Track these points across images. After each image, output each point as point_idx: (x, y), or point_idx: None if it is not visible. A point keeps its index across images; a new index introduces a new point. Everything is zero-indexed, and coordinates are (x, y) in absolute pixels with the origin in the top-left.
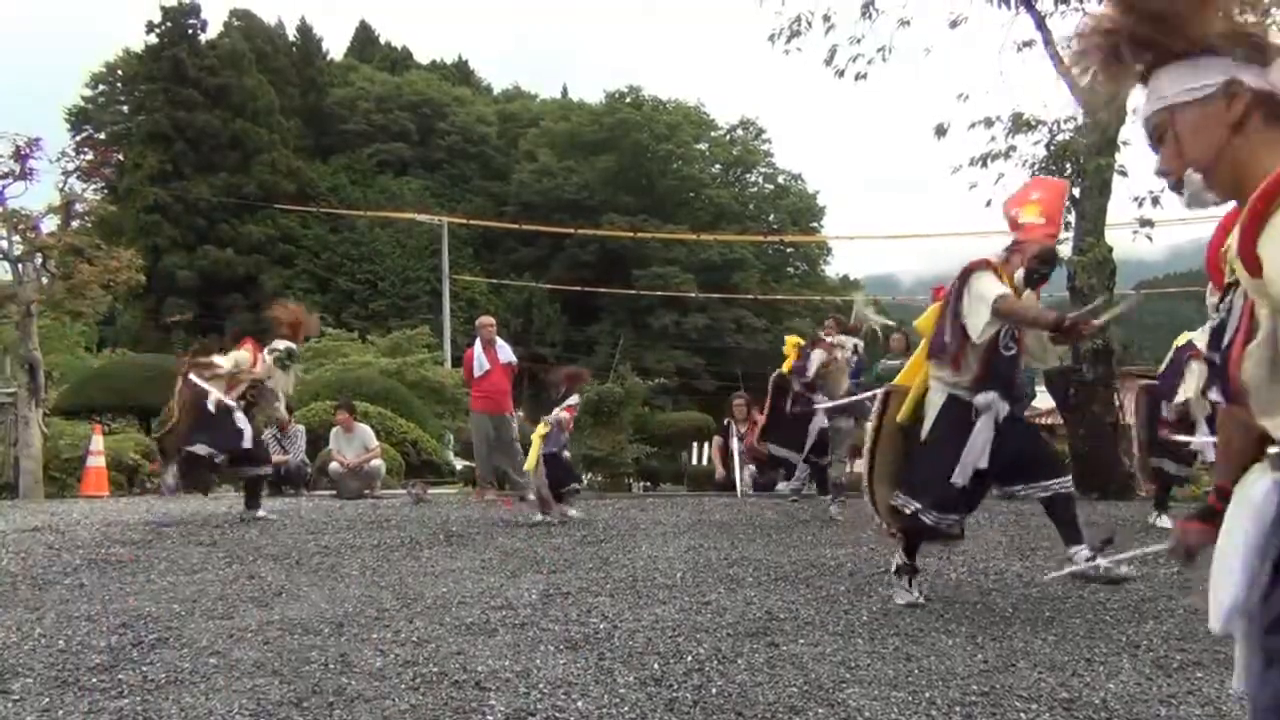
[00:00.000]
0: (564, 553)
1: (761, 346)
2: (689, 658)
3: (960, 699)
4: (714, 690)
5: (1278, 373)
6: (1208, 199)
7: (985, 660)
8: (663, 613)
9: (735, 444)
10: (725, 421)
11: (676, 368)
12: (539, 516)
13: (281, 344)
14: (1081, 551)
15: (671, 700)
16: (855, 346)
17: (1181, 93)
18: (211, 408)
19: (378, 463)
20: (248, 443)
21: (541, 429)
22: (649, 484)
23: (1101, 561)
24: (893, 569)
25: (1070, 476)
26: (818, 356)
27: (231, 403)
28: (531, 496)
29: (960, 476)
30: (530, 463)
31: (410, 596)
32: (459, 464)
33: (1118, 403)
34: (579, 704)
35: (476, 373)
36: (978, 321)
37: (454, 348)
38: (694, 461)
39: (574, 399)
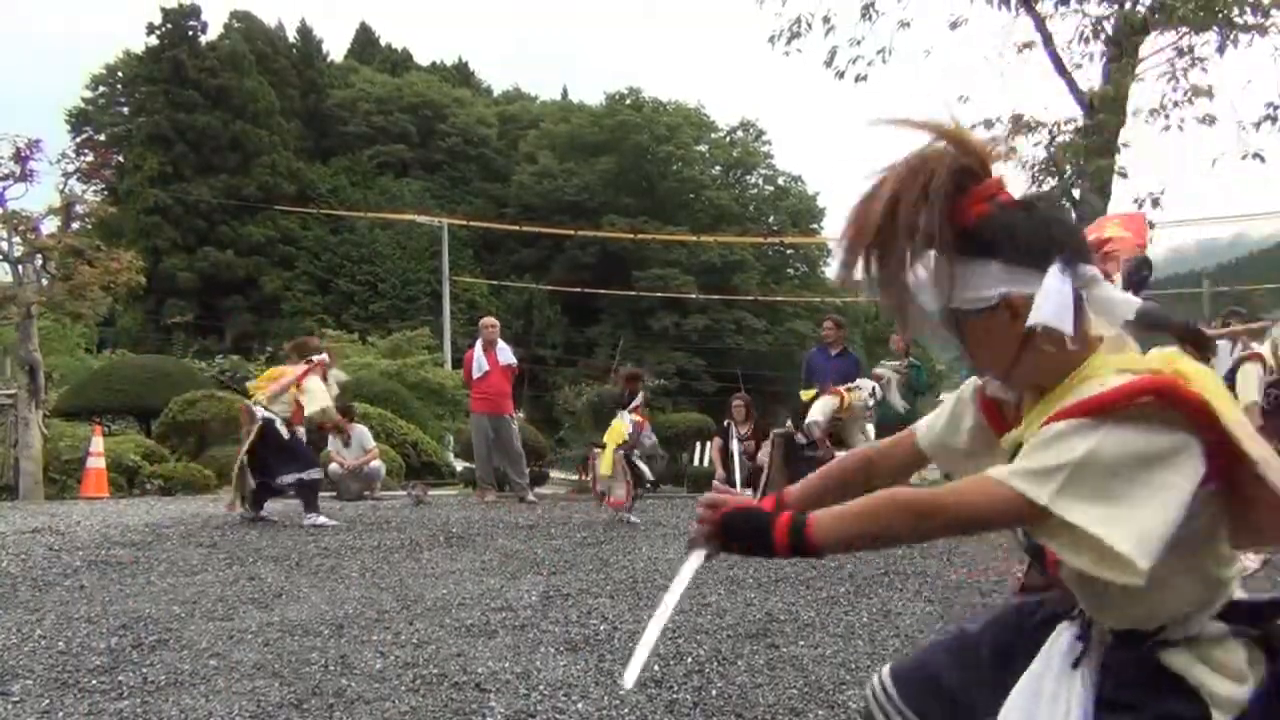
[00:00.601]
0: (564, 554)
1: (761, 348)
2: (689, 659)
3: None
4: (714, 692)
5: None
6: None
7: None
8: None
9: (735, 445)
10: (725, 423)
11: (676, 369)
12: (623, 515)
13: (343, 375)
14: None
15: (672, 702)
16: (873, 390)
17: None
18: (285, 434)
19: (377, 464)
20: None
21: (617, 436)
22: (649, 485)
23: None
24: None
25: None
26: (827, 404)
27: (298, 429)
28: (531, 498)
29: None
30: (605, 467)
31: (410, 598)
32: (459, 465)
33: None
34: (579, 706)
35: (476, 374)
36: None
37: (454, 349)
38: (694, 463)
39: (638, 400)
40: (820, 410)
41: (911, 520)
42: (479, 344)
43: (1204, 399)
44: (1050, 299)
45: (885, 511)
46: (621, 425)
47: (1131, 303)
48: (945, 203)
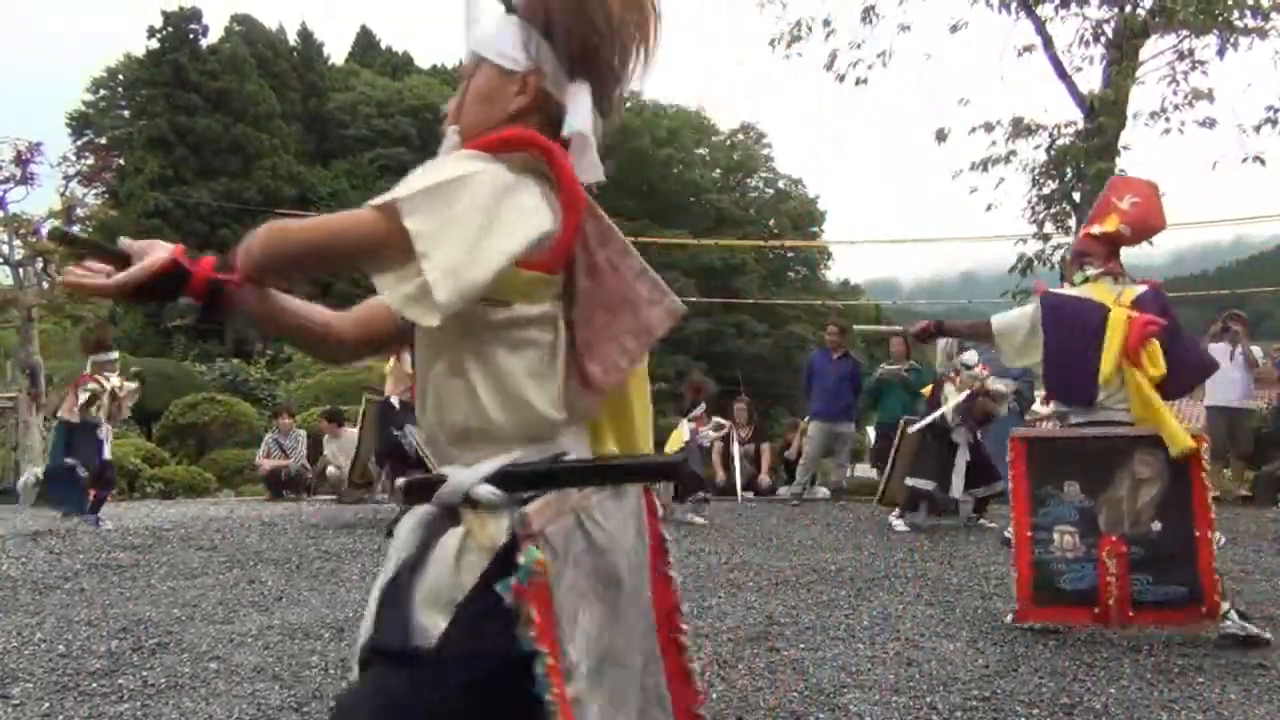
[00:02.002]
0: None
1: (762, 351)
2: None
3: (961, 704)
4: (715, 695)
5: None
6: None
7: (986, 665)
8: None
9: (735, 448)
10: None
11: (676, 372)
12: (698, 519)
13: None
14: None
15: None
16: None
17: (503, 53)
18: (396, 403)
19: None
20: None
21: (677, 442)
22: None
23: None
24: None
25: None
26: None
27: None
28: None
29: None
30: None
31: None
32: None
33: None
34: None
35: None
36: None
37: None
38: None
39: (699, 409)
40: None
41: (280, 238)
42: None
43: (579, 184)
44: (580, 114)
45: (271, 239)
46: (681, 432)
47: (598, 170)
48: None
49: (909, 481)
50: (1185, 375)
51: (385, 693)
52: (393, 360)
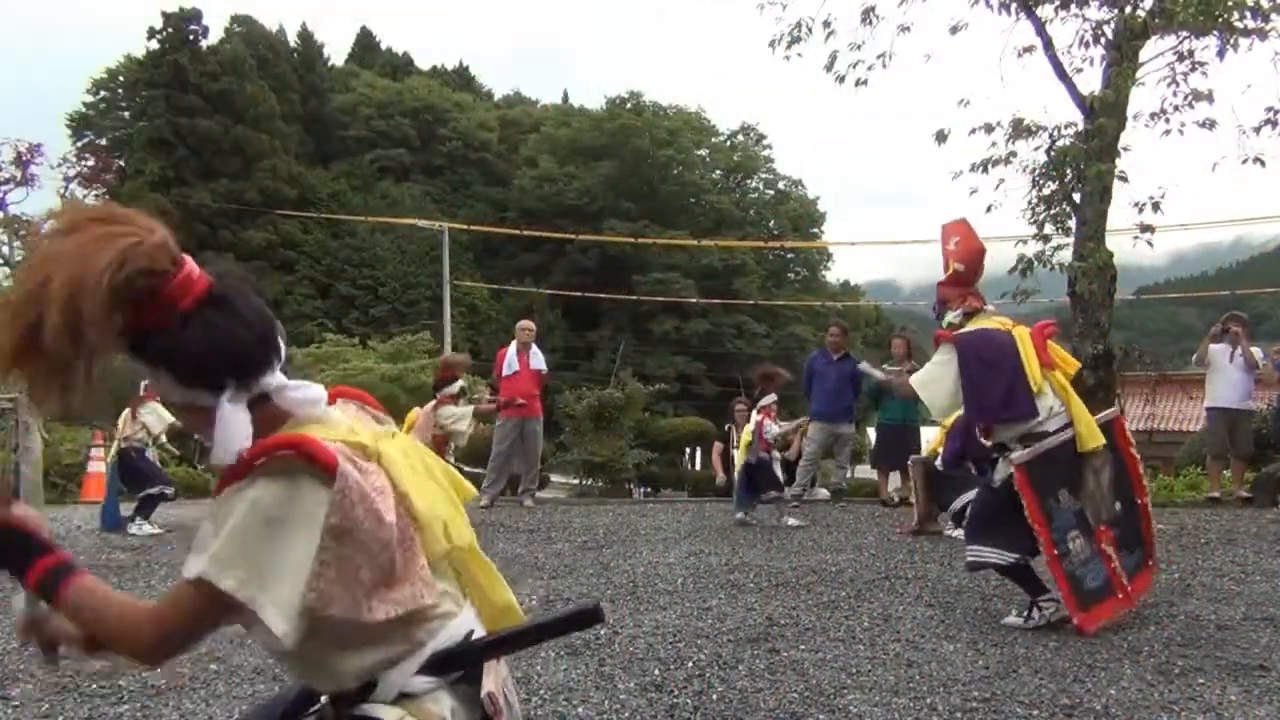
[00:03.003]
0: (564, 559)
1: (762, 352)
2: (689, 664)
3: (961, 705)
4: (714, 696)
5: None
6: None
7: (986, 666)
8: (663, 619)
9: (735, 449)
10: (726, 427)
11: (677, 373)
12: (792, 521)
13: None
14: None
15: (672, 706)
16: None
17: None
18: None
19: None
20: None
21: (746, 437)
22: (650, 489)
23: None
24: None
25: None
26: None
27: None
28: (529, 504)
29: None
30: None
31: None
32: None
33: (1118, 407)
34: (579, 710)
35: (505, 372)
36: None
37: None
38: (694, 467)
39: (768, 399)
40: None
41: (120, 632)
42: (513, 345)
43: (337, 458)
44: (224, 432)
45: (106, 618)
46: (746, 433)
47: (317, 398)
48: (123, 309)
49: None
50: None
51: None
52: (413, 416)
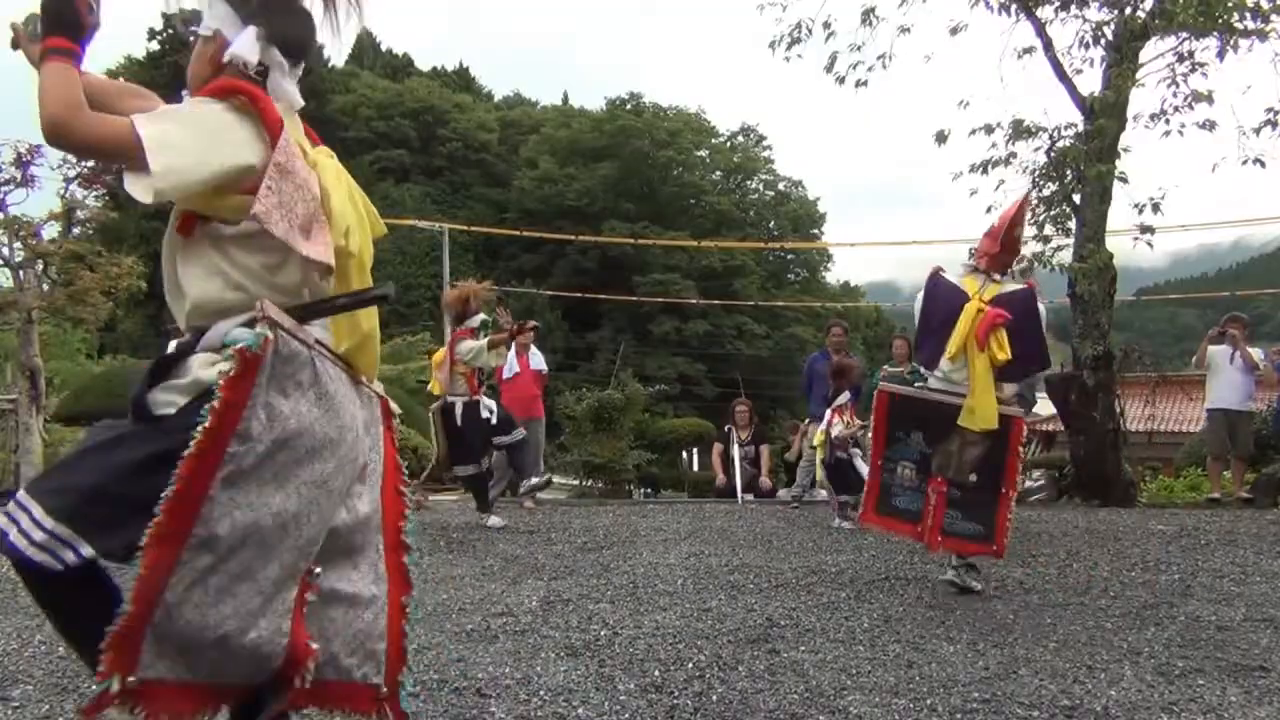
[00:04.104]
0: (564, 559)
1: (762, 353)
2: (690, 665)
3: (961, 706)
4: (715, 697)
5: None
6: None
7: (987, 667)
8: (663, 619)
9: (735, 450)
10: (726, 428)
11: (677, 374)
12: (844, 524)
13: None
14: None
15: (672, 707)
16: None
17: (203, 26)
18: (459, 421)
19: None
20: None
21: (819, 438)
22: (649, 490)
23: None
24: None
25: None
26: None
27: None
28: (529, 504)
29: None
30: (818, 471)
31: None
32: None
33: (1118, 409)
34: (580, 711)
35: (506, 374)
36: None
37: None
38: (694, 468)
39: (843, 398)
40: None
41: (66, 113)
42: (514, 346)
43: (282, 123)
44: (242, 44)
45: (59, 84)
46: (819, 434)
47: (293, 104)
48: None
49: None
50: (1020, 364)
51: (129, 436)
52: (440, 355)
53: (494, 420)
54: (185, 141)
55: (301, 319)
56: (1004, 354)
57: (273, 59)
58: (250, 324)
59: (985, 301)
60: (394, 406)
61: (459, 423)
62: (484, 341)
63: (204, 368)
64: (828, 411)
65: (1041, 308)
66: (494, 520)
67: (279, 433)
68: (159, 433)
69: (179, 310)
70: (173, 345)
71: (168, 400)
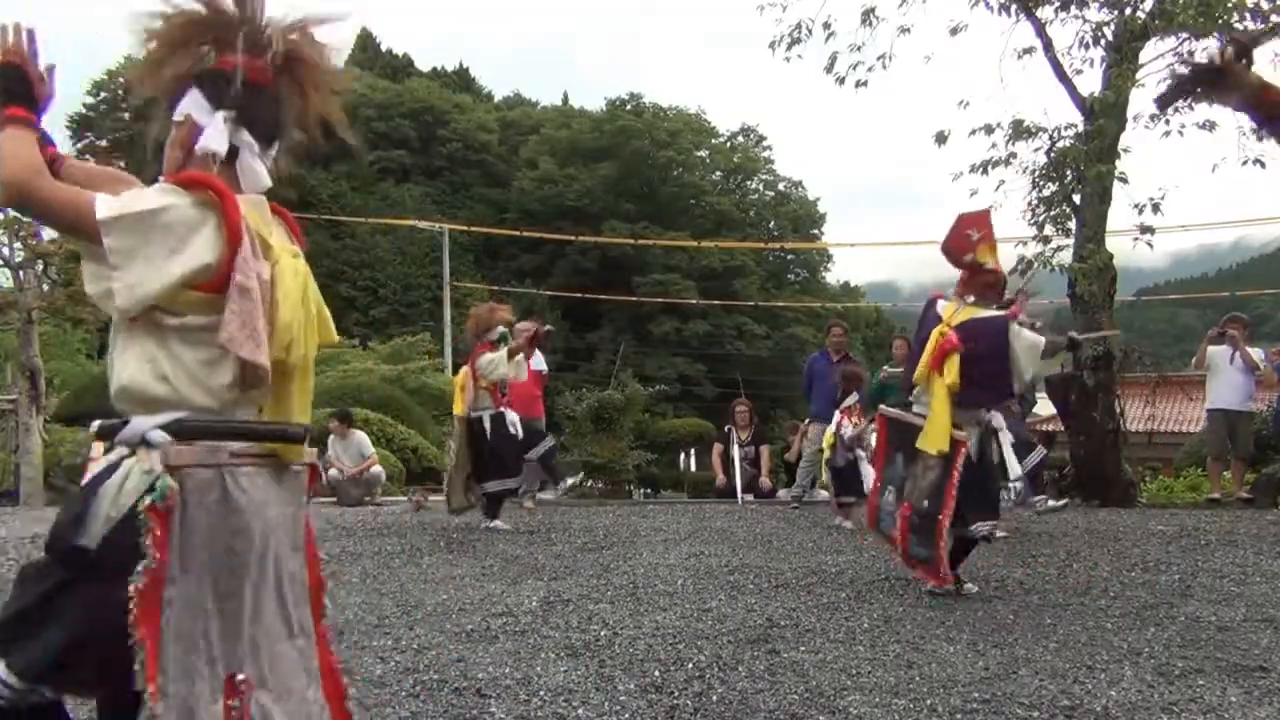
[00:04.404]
0: (565, 560)
1: (762, 353)
2: (690, 665)
3: (962, 706)
4: (715, 698)
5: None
6: None
7: (987, 667)
8: (663, 620)
9: (735, 451)
10: (726, 428)
11: (677, 374)
12: (846, 523)
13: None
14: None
15: (672, 708)
16: None
17: (176, 111)
18: (489, 436)
19: (378, 469)
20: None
21: (828, 439)
22: (649, 490)
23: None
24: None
25: None
26: None
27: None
28: (529, 505)
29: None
30: (821, 474)
31: (410, 604)
32: None
33: (1118, 409)
34: (580, 711)
35: None
36: (1030, 368)
37: (455, 355)
38: (692, 468)
39: (850, 400)
40: None
41: (26, 174)
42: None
43: (243, 229)
44: (205, 139)
45: (18, 148)
46: (828, 436)
47: (262, 185)
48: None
49: None
50: (977, 390)
51: (55, 575)
52: (463, 375)
53: (519, 434)
54: (148, 249)
55: (219, 435)
56: (950, 379)
57: (242, 140)
58: (171, 426)
59: (951, 326)
60: (320, 471)
61: (489, 438)
62: (503, 352)
63: (118, 487)
64: (836, 413)
65: (1026, 335)
66: (498, 524)
67: (185, 563)
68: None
69: (113, 389)
70: (95, 425)
71: (95, 530)
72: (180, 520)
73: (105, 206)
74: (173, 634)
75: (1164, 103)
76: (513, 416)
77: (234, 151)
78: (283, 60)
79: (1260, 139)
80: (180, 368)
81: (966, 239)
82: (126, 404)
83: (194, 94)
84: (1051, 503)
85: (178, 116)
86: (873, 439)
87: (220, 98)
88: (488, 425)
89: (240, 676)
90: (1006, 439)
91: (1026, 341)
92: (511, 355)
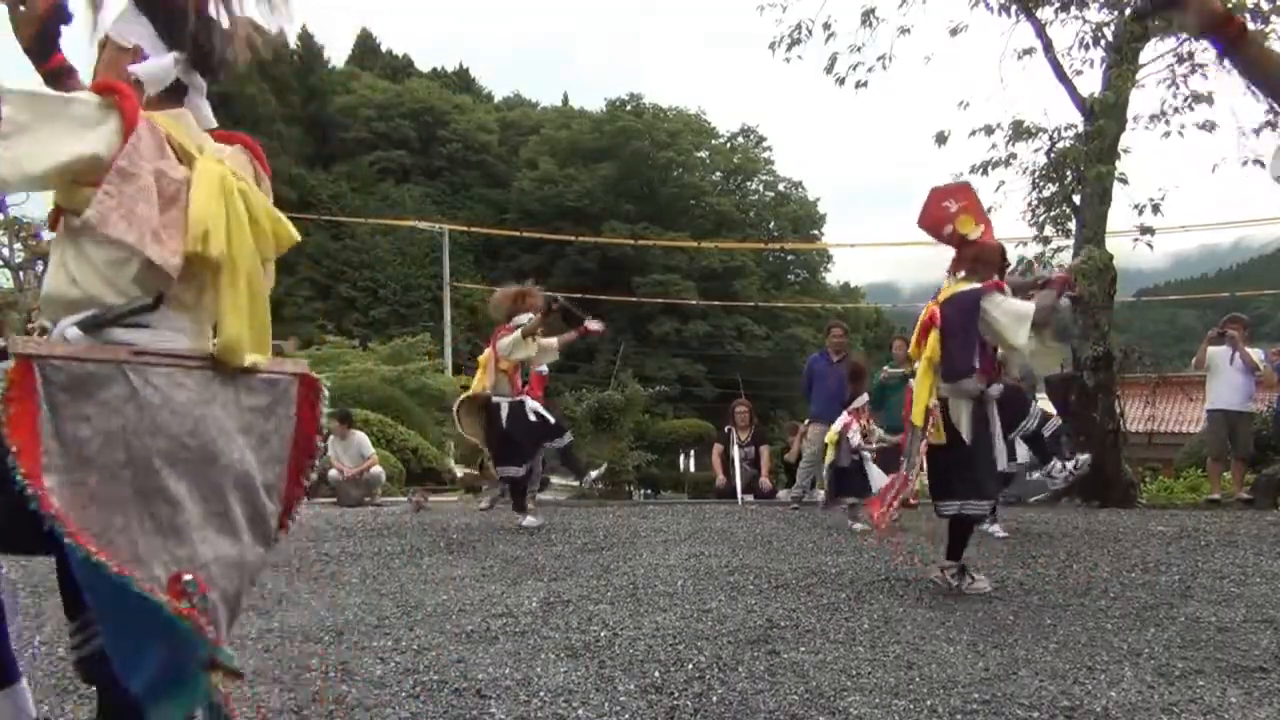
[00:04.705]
0: (564, 560)
1: (762, 354)
2: (690, 665)
3: (962, 707)
4: (715, 698)
5: None
6: None
7: (987, 668)
8: (663, 620)
9: (735, 451)
10: (726, 429)
11: (677, 375)
12: (857, 525)
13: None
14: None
15: (672, 708)
16: None
17: (122, 37)
18: (505, 422)
19: (378, 470)
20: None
21: (830, 438)
22: (649, 491)
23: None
24: (952, 574)
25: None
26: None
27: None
28: (529, 505)
29: (1003, 457)
30: (823, 472)
31: (411, 604)
32: (459, 471)
33: (1118, 410)
34: (580, 712)
35: None
36: (1019, 336)
37: (455, 355)
38: (691, 469)
39: (859, 401)
40: None
41: None
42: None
43: (139, 120)
44: (154, 65)
45: None
46: (831, 434)
47: (207, 118)
48: None
49: None
50: (950, 365)
51: None
52: (485, 355)
53: (541, 421)
54: (41, 130)
55: (99, 326)
56: (930, 353)
57: (194, 82)
58: (89, 322)
59: (938, 303)
60: (323, 386)
61: (505, 424)
62: (517, 333)
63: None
64: (845, 413)
65: (1008, 303)
66: (529, 520)
67: (80, 457)
68: None
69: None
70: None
71: None
72: (58, 411)
73: (18, 85)
74: (96, 530)
75: (1138, 15)
76: (534, 404)
77: (183, 89)
78: None
79: (1225, 73)
80: (89, 267)
81: (944, 210)
82: (50, 311)
83: (145, 26)
84: (1070, 465)
85: (123, 42)
86: (853, 438)
87: (175, 37)
88: (505, 412)
89: (187, 577)
90: (995, 417)
91: (1009, 308)
92: (525, 335)
